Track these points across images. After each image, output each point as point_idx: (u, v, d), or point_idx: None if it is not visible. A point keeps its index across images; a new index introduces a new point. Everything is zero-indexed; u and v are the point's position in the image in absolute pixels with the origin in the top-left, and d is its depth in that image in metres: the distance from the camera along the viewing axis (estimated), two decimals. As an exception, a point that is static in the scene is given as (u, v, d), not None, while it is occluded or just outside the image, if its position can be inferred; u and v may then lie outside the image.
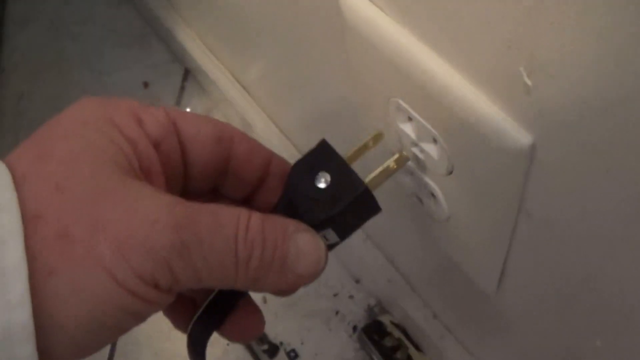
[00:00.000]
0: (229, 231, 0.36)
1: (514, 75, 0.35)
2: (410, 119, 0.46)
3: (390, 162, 0.46)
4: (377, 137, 0.48)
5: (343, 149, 0.44)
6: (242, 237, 0.36)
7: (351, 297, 1.05)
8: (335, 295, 1.05)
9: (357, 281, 1.05)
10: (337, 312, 1.04)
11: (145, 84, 1.32)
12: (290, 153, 1.04)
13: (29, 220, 0.32)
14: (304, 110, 0.92)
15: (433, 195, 0.50)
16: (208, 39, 1.20)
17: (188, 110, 1.26)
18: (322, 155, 0.44)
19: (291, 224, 0.40)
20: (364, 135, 0.47)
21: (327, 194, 0.42)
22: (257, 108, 1.13)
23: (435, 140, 0.45)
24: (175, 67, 1.34)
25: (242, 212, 0.37)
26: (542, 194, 0.41)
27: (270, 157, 0.45)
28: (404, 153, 0.47)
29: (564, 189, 0.39)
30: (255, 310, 0.46)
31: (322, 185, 0.42)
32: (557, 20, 0.30)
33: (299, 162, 0.44)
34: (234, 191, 0.46)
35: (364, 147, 0.47)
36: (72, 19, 1.48)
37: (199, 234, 0.35)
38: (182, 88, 1.31)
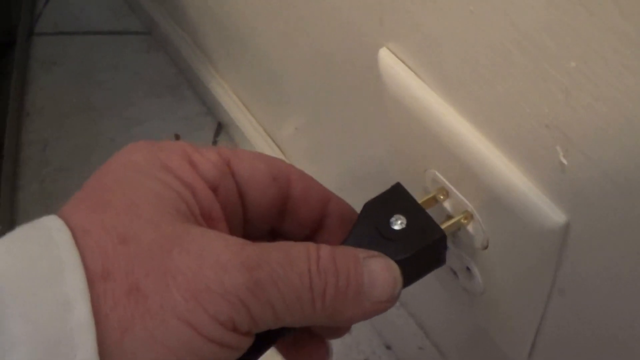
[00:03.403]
0: (301, 265, 0.36)
1: (550, 154, 0.37)
2: (446, 191, 0.49)
3: (461, 217, 0.48)
4: (442, 191, 0.49)
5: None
6: (315, 269, 0.36)
7: (381, 363, 1.05)
8: (365, 360, 1.06)
9: (388, 347, 1.06)
10: (365, 379, 1.04)
11: (177, 137, 1.34)
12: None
13: (97, 278, 0.32)
14: (337, 171, 0.93)
15: (468, 268, 0.53)
16: (242, 93, 1.22)
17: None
18: (396, 198, 0.45)
19: (361, 251, 0.40)
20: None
21: (403, 236, 0.43)
22: (292, 167, 1.14)
23: (471, 215, 0.47)
24: (207, 119, 1.37)
25: (310, 245, 0.37)
26: (576, 271, 0.43)
27: (328, 197, 0.46)
28: (469, 211, 0.48)
29: (597, 267, 0.41)
30: (322, 341, 0.46)
31: (397, 227, 0.43)
32: (593, 103, 0.33)
33: (372, 202, 0.45)
34: (293, 232, 0.46)
35: (433, 200, 0.49)
36: (99, 64, 1.52)
37: (272, 271, 0.35)
38: (215, 143, 1.33)
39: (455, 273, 0.56)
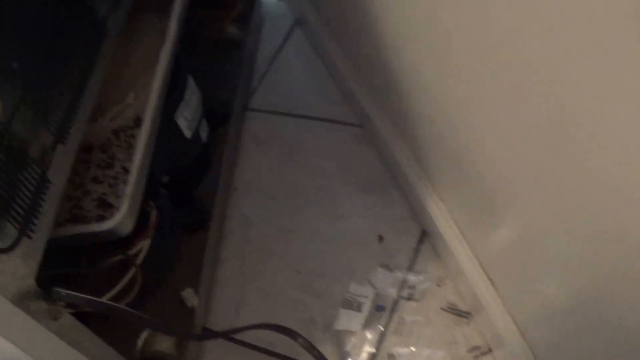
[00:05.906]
0: None
1: None
2: None
3: None
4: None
5: None
6: None
7: None
8: None
9: None
10: None
11: (380, 238, 1.35)
12: (523, 352, 1.03)
13: None
14: (544, 309, 0.91)
15: None
16: (450, 203, 1.22)
17: (421, 278, 1.27)
18: None
19: None
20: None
21: None
22: (492, 289, 1.13)
23: None
24: (412, 225, 1.36)
25: None
26: None
27: None
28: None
29: None
30: None
31: None
32: None
33: None
34: None
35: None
36: (309, 149, 1.53)
37: None
38: (417, 250, 1.33)
39: None
